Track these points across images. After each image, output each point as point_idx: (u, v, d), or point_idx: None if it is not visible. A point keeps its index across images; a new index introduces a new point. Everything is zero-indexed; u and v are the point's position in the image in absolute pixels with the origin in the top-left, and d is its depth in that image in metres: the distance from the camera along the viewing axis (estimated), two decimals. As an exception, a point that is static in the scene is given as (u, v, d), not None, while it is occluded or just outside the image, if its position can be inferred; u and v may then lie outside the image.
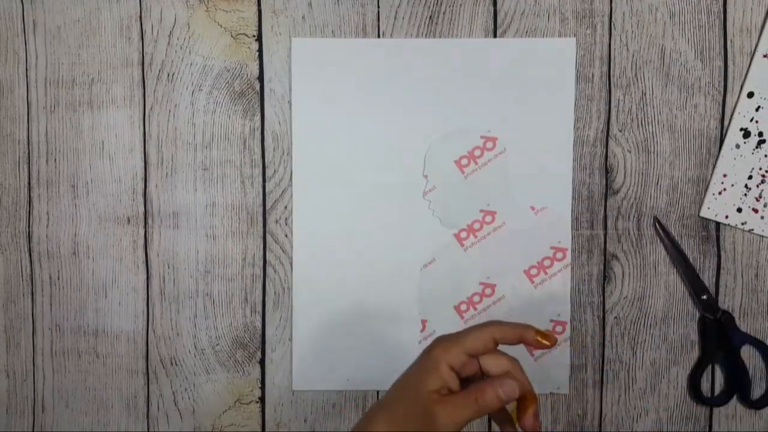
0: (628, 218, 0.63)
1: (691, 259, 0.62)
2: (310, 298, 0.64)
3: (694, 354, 0.63)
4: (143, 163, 0.64)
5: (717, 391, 0.63)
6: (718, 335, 0.62)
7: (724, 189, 0.62)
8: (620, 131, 0.63)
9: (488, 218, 0.63)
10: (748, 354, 0.63)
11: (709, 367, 0.63)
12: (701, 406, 0.63)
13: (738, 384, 0.62)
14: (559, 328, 0.63)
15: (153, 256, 0.65)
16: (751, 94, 0.61)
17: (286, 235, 0.64)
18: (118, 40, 0.64)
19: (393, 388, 0.46)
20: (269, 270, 0.64)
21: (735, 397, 0.62)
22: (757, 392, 0.63)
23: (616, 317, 0.63)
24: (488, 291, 0.63)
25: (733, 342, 0.62)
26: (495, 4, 0.63)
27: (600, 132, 0.63)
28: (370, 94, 0.63)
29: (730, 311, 0.62)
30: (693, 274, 0.62)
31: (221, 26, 0.63)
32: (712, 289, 0.63)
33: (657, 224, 0.62)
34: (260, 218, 0.64)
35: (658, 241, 0.63)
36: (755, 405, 0.62)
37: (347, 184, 0.63)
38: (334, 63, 0.63)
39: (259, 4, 0.63)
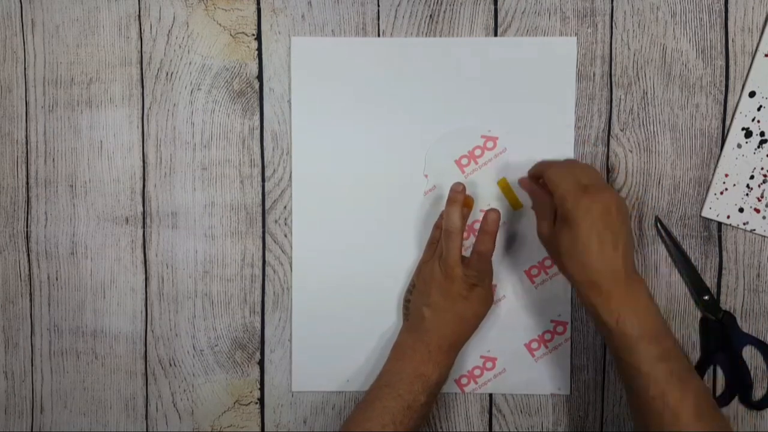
0: (629, 218, 0.62)
1: (692, 260, 0.62)
2: (310, 298, 0.64)
3: (695, 354, 0.63)
4: (142, 163, 0.64)
5: (718, 392, 0.63)
6: (720, 336, 0.61)
7: (726, 189, 0.62)
8: (621, 131, 0.62)
9: (489, 218, 0.63)
10: (750, 355, 0.62)
11: (710, 368, 0.63)
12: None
13: (740, 385, 0.62)
14: (560, 329, 0.63)
15: (151, 256, 0.64)
16: (752, 94, 0.61)
17: (286, 236, 0.64)
18: (116, 39, 0.64)
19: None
20: (268, 270, 0.64)
21: (737, 398, 0.62)
22: (758, 393, 0.62)
23: (617, 318, 0.63)
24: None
25: (735, 343, 0.61)
26: (495, 3, 0.62)
27: (601, 131, 0.63)
28: (370, 93, 0.63)
29: (732, 311, 0.62)
30: (695, 275, 0.62)
31: (220, 25, 0.63)
32: (713, 290, 0.62)
33: (659, 224, 0.62)
34: (259, 218, 0.64)
35: (660, 241, 0.62)
36: (757, 406, 0.62)
37: (347, 184, 0.63)
38: (334, 62, 0.63)
39: (258, 3, 0.63)
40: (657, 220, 0.62)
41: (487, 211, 0.56)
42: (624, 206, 0.54)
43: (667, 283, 0.63)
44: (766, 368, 0.62)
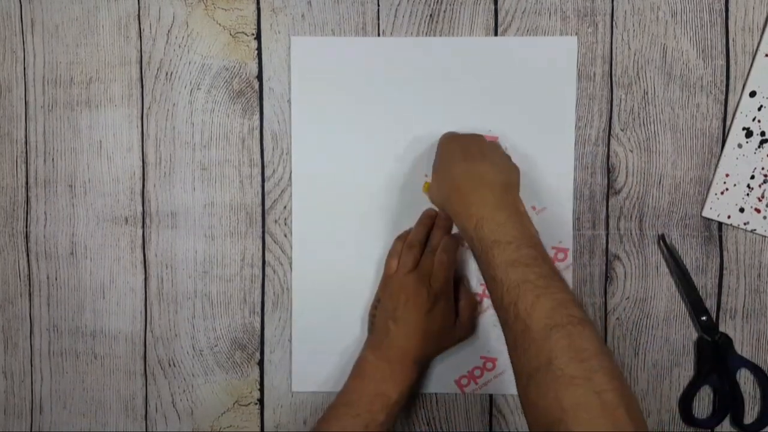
0: (630, 218, 0.62)
1: (693, 261, 0.62)
2: (310, 298, 0.64)
3: (691, 362, 0.63)
4: (141, 163, 0.64)
5: (708, 413, 0.63)
6: (715, 358, 0.61)
7: (727, 189, 0.62)
8: (622, 130, 0.62)
9: (489, 218, 0.63)
10: (744, 378, 0.62)
11: (699, 389, 0.62)
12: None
13: (731, 407, 0.61)
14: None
15: (151, 256, 0.64)
16: (753, 94, 0.61)
17: (286, 236, 0.64)
18: (116, 38, 0.64)
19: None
20: (268, 270, 0.64)
21: (728, 418, 0.62)
22: (750, 416, 0.62)
23: (617, 318, 0.63)
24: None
25: (730, 365, 0.61)
26: (496, 2, 0.62)
27: (602, 131, 0.62)
28: (370, 93, 0.63)
29: (733, 311, 0.62)
30: (695, 295, 0.61)
31: (220, 25, 0.63)
32: (714, 290, 0.62)
33: (662, 242, 0.61)
34: (259, 218, 0.64)
35: (662, 259, 0.62)
36: (748, 429, 0.61)
37: (347, 183, 0.63)
38: (334, 62, 0.63)
39: (258, 3, 0.63)
40: (660, 238, 0.62)
41: (447, 238, 0.59)
42: (485, 143, 0.57)
43: (668, 284, 0.62)
44: (759, 393, 0.62)
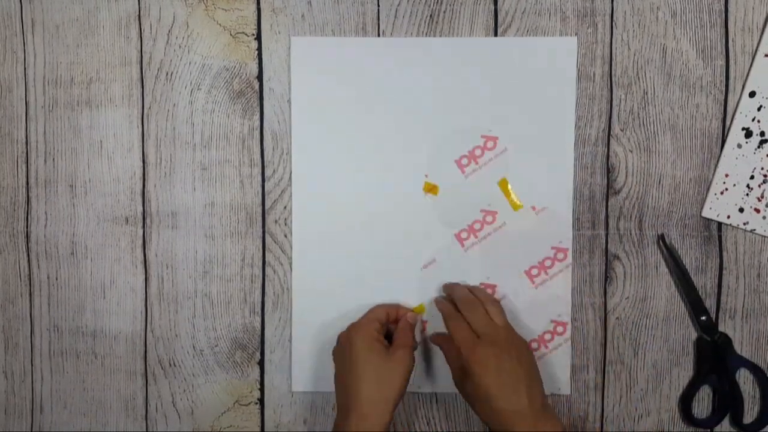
0: (629, 218, 0.62)
1: (693, 260, 0.62)
2: (310, 298, 0.64)
3: (691, 363, 0.63)
4: (141, 163, 0.64)
5: (708, 412, 0.63)
6: (715, 357, 0.61)
7: (726, 189, 0.62)
8: (622, 131, 0.62)
9: (489, 218, 0.63)
10: (743, 378, 0.62)
11: (699, 389, 0.63)
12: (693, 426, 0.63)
13: (731, 406, 0.62)
14: (560, 329, 0.63)
15: (151, 256, 0.64)
16: (752, 94, 0.61)
17: (286, 236, 0.64)
18: (116, 39, 0.64)
19: (344, 389, 0.56)
20: (268, 270, 0.64)
21: (728, 417, 0.62)
22: (750, 416, 0.62)
23: (617, 318, 0.63)
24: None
25: (729, 365, 0.61)
26: (496, 2, 0.62)
27: (601, 131, 0.62)
28: (370, 93, 0.63)
29: (732, 311, 0.62)
30: (694, 295, 0.61)
31: (220, 25, 0.63)
32: (714, 290, 0.62)
33: (661, 242, 0.62)
34: (259, 218, 0.64)
35: (661, 259, 0.62)
36: (747, 429, 0.61)
37: (347, 184, 0.63)
38: (334, 62, 0.63)
39: (258, 3, 0.63)
40: (660, 238, 0.62)
41: (408, 313, 0.61)
42: (522, 346, 0.55)
43: (668, 284, 0.63)
44: (759, 392, 0.62)
